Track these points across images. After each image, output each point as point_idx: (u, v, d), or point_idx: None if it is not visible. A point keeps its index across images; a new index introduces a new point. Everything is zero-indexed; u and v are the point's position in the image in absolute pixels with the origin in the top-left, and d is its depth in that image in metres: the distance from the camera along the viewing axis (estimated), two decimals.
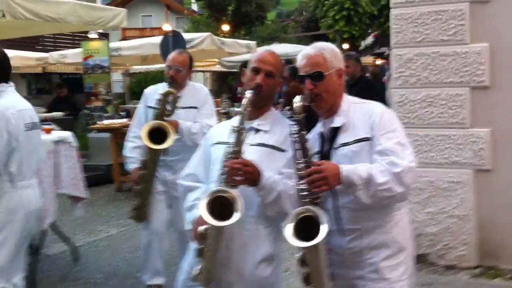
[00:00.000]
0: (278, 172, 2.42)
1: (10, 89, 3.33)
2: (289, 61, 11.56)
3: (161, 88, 4.15)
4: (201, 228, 2.31)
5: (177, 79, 4.05)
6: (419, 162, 4.69)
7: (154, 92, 4.16)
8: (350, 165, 2.23)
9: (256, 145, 2.47)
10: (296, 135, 2.22)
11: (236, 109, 9.00)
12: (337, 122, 2.40)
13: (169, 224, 4.37)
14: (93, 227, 6.60)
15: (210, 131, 2.78)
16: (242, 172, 2.28)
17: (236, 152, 2.32)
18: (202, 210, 2.25)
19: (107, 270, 5.07)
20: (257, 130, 2.52)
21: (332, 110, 2.43)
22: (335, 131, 2.39)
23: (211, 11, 30.00)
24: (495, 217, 4.65)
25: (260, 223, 2.46)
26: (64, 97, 12.31)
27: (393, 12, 4.90)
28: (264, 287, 2.49)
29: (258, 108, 2.53)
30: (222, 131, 2.56)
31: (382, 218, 2.36)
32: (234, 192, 2.28)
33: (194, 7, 40.51)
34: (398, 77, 4.88)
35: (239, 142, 2.33)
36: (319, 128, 2.50)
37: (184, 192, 2.69)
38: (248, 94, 2.40)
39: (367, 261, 2.37)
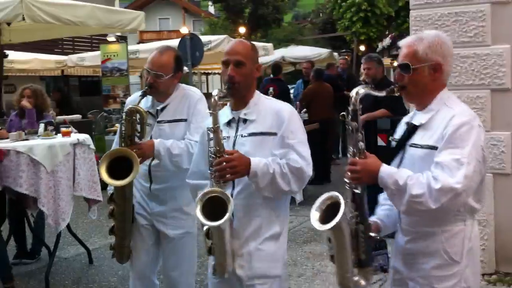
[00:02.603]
0: (273, 155, 2.53)
1: None
2: (312, 62, 11.56)
3: (145, 98, 3.28)
4: (204, 228, 2.44)
5: (157, 87, 3.16)
6: None
7: (135, 101, 3.27)
8: (394, 168, 2.24)
9: (247, 135, 2.56)
10: (350, 127, 2.26)
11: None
12: (418, 119, 2.36)
13: (157, 266, 3.56)
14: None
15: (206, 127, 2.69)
16: (229, 170, 2.40)
17: (219, 152, 2.43)
18: (197, 213, 2.39)
19: (122, 274, 5.06)
20: (245, 120, 2.59)
21: (423, 104, 2.37)
22: (414, 128, 2.35)
23: (228, 14, 30.04)
24: None
25: (271, 208, 2.58)
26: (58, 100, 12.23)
27: (412, 14, 4.85)
28: (272, 260, 2.59)
29: (241, 98, 2.61)
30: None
31: (438, 226, 2.26)
32: (222, 192, 2.40)
33: (211, 9, 40.62)
34: None
35: (218, 141, 2.44)
36: (411, 114, 2.47)
37: (192, 191, 2.77)
38: (215, 93, 2.46)
39: (419, 265, 2.33)
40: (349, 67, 12.91)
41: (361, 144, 2.24)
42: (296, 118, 2.61)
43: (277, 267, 2.60)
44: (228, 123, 2.62)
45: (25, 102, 5.48)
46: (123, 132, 3.12)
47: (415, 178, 2.15)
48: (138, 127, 3.12)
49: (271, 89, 9.18)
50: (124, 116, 3.10)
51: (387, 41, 26.29)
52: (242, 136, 2.56)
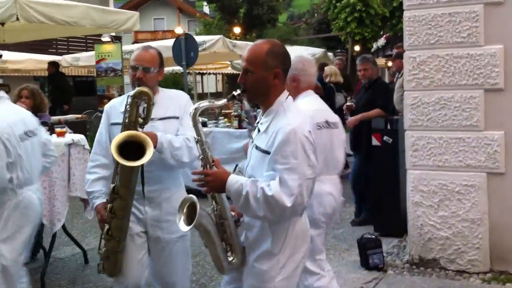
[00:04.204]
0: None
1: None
2: None
3: (126, 99, 3.21)
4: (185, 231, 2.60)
5: (146, 82, 3.12)
6: (432, 165, 4.70)
7: (119, 105, 3.25)
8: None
9: (254, 147, 2.55)
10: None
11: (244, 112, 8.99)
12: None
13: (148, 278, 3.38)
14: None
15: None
16: (203, 183, 2.46)
17: (203, 160, 2.53)
18: (179, 222, 2.53)
19: None
20: (259, 130, 2.57)
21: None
22: None
23: (223, 14, 30.00)
24: (506, 222, 4.60)
25: (267, 223, 2.52)
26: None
27: (406, 14, 4.87)
28: (262, 280, 2.53)
29: (261, 104, 2.60)
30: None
31: None
32: (192, 199, 2.51)
33: (206, 9, 40.59)
34: (411, 80, 4.85)
35: (202, 151, 2.52)
36: None
37: None
38: (195, 106, 2.55)
39: None
40: (345, 67, 12.91)
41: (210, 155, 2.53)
42: (294, 139, 2.36)
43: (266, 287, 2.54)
44: (256, 127, 2.64)
45: (20, 104, 5.47)
46: (127, 118, 3.03)
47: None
48: (141, 114, 3.06)
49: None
50: (130, 100, 3.01)
51: (381, 41, 26.36)
52: (253, 146, 2.59)
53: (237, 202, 2.43)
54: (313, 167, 2.42)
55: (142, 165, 3.03)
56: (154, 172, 3.17)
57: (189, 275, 3.54)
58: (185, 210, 2.54)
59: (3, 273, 3.29)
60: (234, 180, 2.42)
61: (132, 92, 3.04)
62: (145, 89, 3.02)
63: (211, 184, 2.45)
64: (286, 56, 2.57)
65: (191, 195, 2.57)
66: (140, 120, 3.03)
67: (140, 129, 3.03)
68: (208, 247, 2.63)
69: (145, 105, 3.05)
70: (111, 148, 2.90)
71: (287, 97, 2.55)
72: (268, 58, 2.48)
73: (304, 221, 2.59)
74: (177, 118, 3.25)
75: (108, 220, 3.07)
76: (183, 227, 2.52)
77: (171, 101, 3.29)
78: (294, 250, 2.55)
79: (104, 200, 3.17)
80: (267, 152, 2.42)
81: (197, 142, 2.52)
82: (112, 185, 3.04)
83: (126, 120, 3.03)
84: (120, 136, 2.96)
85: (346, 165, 9.77)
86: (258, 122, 2.61)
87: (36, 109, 5.50)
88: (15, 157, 3.26)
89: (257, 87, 2.50)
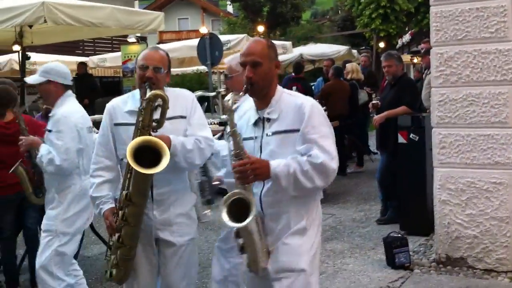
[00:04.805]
0: (296, 152, 2.57)
1: (71, 97, 3.95)
2: (333, 60, 11.53)
3: (130, 98, 3.14)
4: (234, 227, 2.56)
5: (156, 82, 3.00)
6: (460, 163, 4.63)
7: (123, 104, 3.13)
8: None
9: (271, 134, 2.63)
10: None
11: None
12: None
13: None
14: None
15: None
16: (250, 172, 2.48)
17: (239, 154, 2.52)
18: (223, 216, 2.50)
19: None
20: (269, 119, 2.65)
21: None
22: None
23: (247, 13, 30.03)
24: None
25: (300, 204, 2.64)
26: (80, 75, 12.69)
27: (433, 10, 4.82)
28: (296, 253, 2.61)
29: (263, 97, 2.68)
30: (242, 125, 2.74)
31: None
32: (245, 193, 2.50)
33: (230, 9, 40.69)
34: (438, 76, 4.79)
35: (237, 144, 2.53)
36: None
37: (229, 189, 2.87)
38: (228, 98, 2.56)
39: None
40: (370, 64, 12.83)
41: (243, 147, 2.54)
42: (318, 112, 2.62)
43: (302, 261, 2.61)
44: (255, 123, 2.70)
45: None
46: (140, 122, 2.89)
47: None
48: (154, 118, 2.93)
49: (294, 88, 9.18)
50: (145, 104, 2.87)
51: (406, 38, 26.08)
52: (267, 135, 2.64)
53: (284, 182, 2.50)
54: (333, 134, 2.63)
55: None
56: (163, 175, 2.92)
57: (196, 279, 3.40)
58: (228, 204, 2.51)
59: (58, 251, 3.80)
60: (276, 163, 2.52)
61: (147, 95, 2.89)
62: (160, 92, 2.92)
63: (259, 171, 2.50)
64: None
65: (239, 191, 2.51)
66: (153, 123, 2.92)
67: (152, 133, 2.91)
68: (246, 249, 2.62)
69: (155, 105, 2.93)
70: (126, 155, 2.78)
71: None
72: (270, 50, 2.68)
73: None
74: (185, 117, 3.11)
75: (119, 227, 2.95)
76: (231, 224, 2.50)
77: (177, 101, 3.10)
78: (318, 228, 2.73)
79: (112, 205, 3.04)
80: (292, 131, 2.58)
81: (231, 134, 2.55)
82: (125, 192, 2.89)
83: (140, 124, 2.90)
84: (135, 142, 2.84)
85: (361, 163, 9.79)
86: (260, 117, 2.69)
87: None
88: (84, 145, 3.79)
89: (266, 78, 2.64)
